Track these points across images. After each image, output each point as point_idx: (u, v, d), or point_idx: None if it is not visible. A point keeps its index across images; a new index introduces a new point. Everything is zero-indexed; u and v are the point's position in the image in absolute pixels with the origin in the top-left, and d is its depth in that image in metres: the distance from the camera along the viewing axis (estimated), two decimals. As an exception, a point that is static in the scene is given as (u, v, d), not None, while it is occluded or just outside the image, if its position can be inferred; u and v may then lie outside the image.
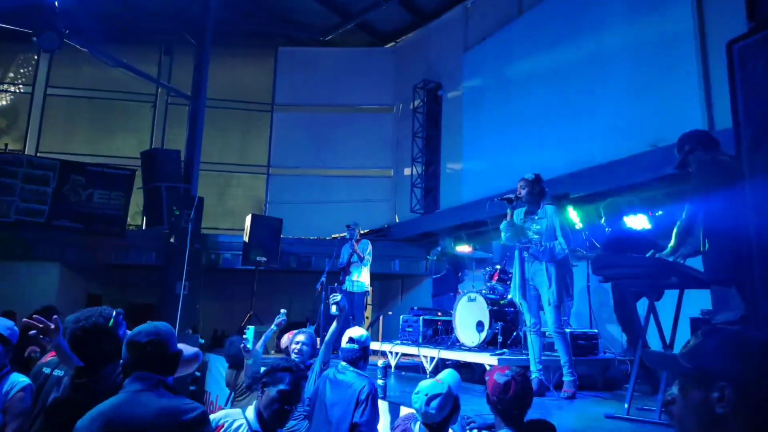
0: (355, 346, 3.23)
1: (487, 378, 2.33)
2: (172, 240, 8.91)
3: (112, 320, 2.29)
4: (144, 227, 11.03)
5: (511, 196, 4.43)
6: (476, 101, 9.89)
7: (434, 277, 7.99)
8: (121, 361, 1.85)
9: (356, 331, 3.30)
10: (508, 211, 4.45)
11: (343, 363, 3.21)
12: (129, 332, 1.93)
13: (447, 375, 2.55)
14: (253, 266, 9.15)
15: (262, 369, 2.46)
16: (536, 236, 4.30)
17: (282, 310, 4.38)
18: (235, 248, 10.28)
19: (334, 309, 3.73)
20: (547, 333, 4.58)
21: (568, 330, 5.40)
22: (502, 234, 4.48)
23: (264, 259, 9.28)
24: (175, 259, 8.52)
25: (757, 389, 1.03)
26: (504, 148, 8.89)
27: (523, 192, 4.40)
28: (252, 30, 12.20)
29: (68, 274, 10.01)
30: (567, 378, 4.26)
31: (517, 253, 4.47)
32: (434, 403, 2.38)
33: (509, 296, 6.00)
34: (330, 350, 3.59)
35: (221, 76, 11.93)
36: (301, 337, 3.89)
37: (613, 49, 7.16)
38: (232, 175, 12.72)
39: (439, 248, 7.82)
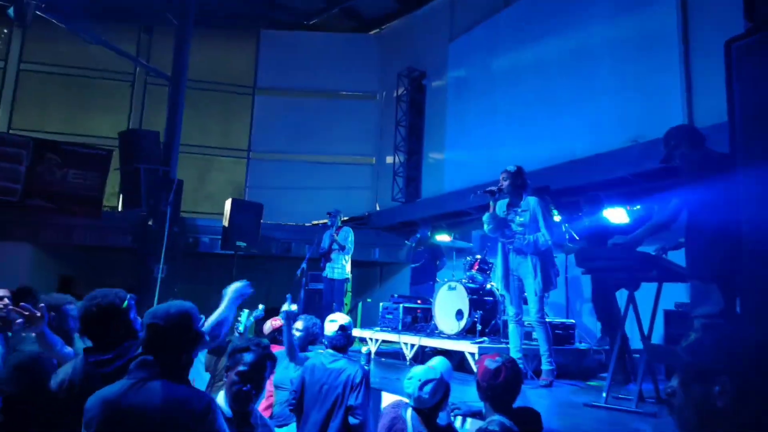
0: (344, 332, 3.25)
1: (476, 364, 2.36)
2: (150, 223, 8.75)
3: (126, 302, 2.31)
4: (120, 209, 10.80)
5: (494, 188, 4.47)
6: (460, 91, 9.91)
7: (413, 265, 8.03)
8: (140, 340, 1.85)
9: (343, 318, 3.31)
10: (491, 203, 4.50)
11: (331, 350, 3.22)
12: (148, 312, 1.88)
13: (439, 362, 2.63)
14: (232, 251, 9.07)
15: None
16: (520, 228, 4.36)
17: (260, 306, 4.34)
18: (214, 232, 10.15)
19: (285, 306, 3.67)
20: (527, 322, 4.66)
21: (546, 320, 5.52)
22: (485, 226, 4.53)
23: (244, 244, 9.20)
24: (152, 242, 8.38)
25: (756, 384, 1.07)
26: (487, 139, 8.95)
27: (506, 184, 4.45)
28: (235, 11, 11.96)
29: (40, 255, 9.76)
30: (546, 367, 4.36)
31: (500, 244, 4.53)
32: (427, 388, 2.47)
33: (490, 285, 6.11)
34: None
35: (202, 57, 11.67)
36: (299, 324, 3.85)
37: (597, 44, 7.24)
38: (212, 158, 12.52)
39: (418, 235, 7.85)
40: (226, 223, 9.28)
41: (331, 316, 3.36)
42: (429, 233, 7.82)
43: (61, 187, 9.53)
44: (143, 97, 12.30)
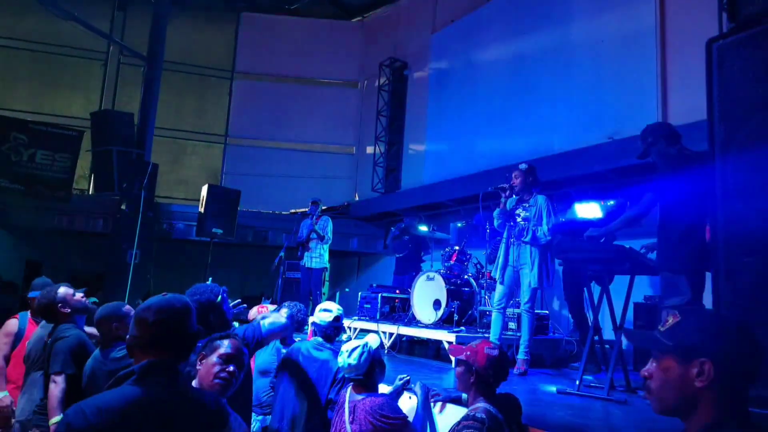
0: (336, 323, 3.27)
1: (468, 353, 2.39)
2: (123, 207, 8.56)
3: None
4: (91, 192, 10.54)
5: (506, 185, 4.66)
6: (442, 83, 9.95)
7: (398, 255, 8.09)
8: (128, 337, 1.63)
9: (337, 308, 3.31)
10: (502, 199, 4.66)
11: (320, 339, 3.22)
12: (142, 304, 1.66)
13: (367, 336, 2.84)
14: (208, 238, 8.96)
15: None
16: (523, 223, 4.50)
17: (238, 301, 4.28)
18: (189, 218, 10.00)
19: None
20: (515, 311, 4.80)
21: (518, 310, 5.65)
22: (495, 221, 4.71)
23: (220, 231, 9.10)
24: (125, 226, 8.22)
25: (734, 365, 1.12)
26: (467, 132, 9.02)
27: (518, 182, 4.62)
28: (214, -9, 11.73)
29: (6, 239, 9.47)
30: (522, 356, 4.46)
31: (505, 236, 4.66)
32: (354, 355, 2.66)
33: (467, 276, 6.20)
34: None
35: (180, 38, 11.42)
36: (283, 311, 3.82)
37: (577, 41, 7.36)
38: (188, 142, 12.29)
39: (404, 224, 7.89)
40: (201, 209, 9.15)
41: (325, 305, 3.34)
42: (414, 223, 7.86)
43: (29, 168, 9.23)
44: (116, 77, 11.96)
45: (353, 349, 2.70)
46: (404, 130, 10.95)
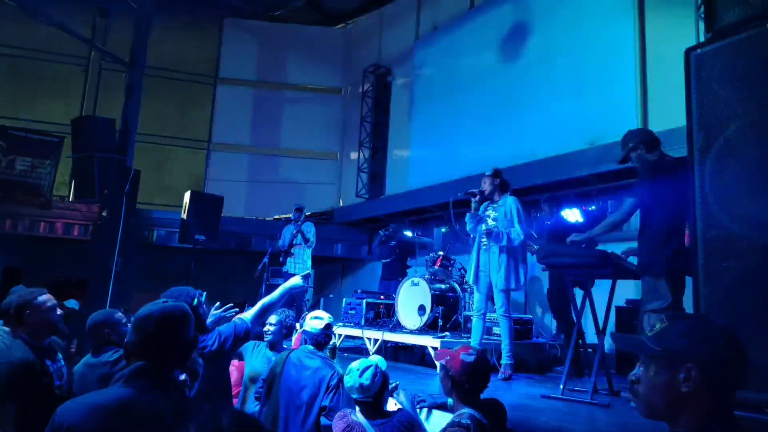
0: (327, 331, 3.25)
1: (448, 358, 2.40)
2: (104, 214, 8.44)
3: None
4: (72, 199, 10.36)
5: (476, 190, 4.72)
6: (425, 90, 10.01)
7: (384, 261, 8.09)
8: (126, 342, 1.63)
9: (327, 316, 3.30)
10: (473, 204, 4.71)
11: (311, 347, 3.20)
12: (142, 310, 1.65)
13: (373, 357, 2.79)
14: (190, 245, 8.85)
15: None
16: (493, 223, 4.54)
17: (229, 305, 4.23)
18: (172, 225, 9.89)
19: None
20: (493, 317, 4.81)
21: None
22: (467, 225, 4.78)
23: (203, 238, 9.00)
24: (107, 233, 8.09)
25: (720, 370, 1.14)
26: (451, 138, 9.08)
27: (486, 186, 4.70)
28: (197, -3, 11.65)
29: (-16, 245, 9.27)
30: (505, 361, 4.49)
31: (476, 241, 4.68)
32: (366, 374, 2.58)
33: (452, 281, 6.23)
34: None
35: (162, 43, 11.32)
36: (272, 319, 3.76)
37: (558, 49, 7.46)
38: (171, 148, 12.16)
39: (390, 230, 7.91)
40: (184, 215, 9.05)
41: (316, 313, 3.33)
42: (400, 229, 7.88)
43: (7, 175, 9.05)
44: (98, 83, 11.81)
45: (365, 369, 2.60)
46: (388, 136, 10.98)
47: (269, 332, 3.78)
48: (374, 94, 11.26)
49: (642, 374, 1.23)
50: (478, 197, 4.67)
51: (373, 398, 2.59)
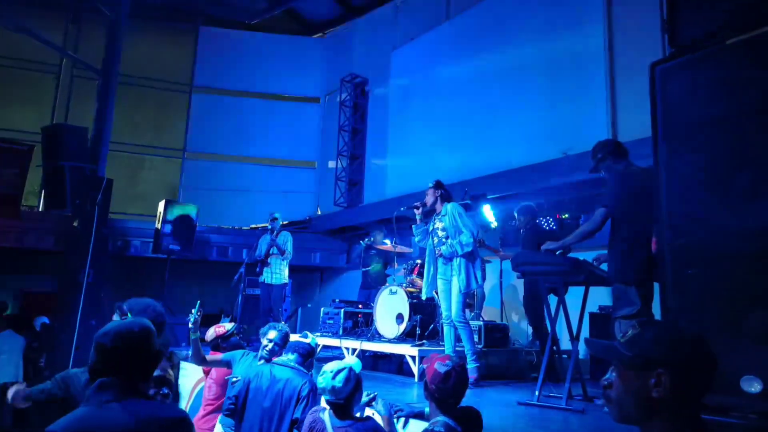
0: (311, 350, 3.26)
1: (425, 366, 2.41)
2: (75, 224, 8.25)
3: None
4: (42, 209, 10.11)
5: (418, 203, 4.87)
6: (402, 99, 10.09)
7: (364, 270, 8.09)
8: (89, 363, 1.65)
9: (313, 342, 3.33)
10: (417, 217, 4.85)
11: (285, 358, 3.18)
12: (101, 330, 1.69)
13: (350, 360, 2.76)
14: (165, 255, 8.73)
15: None
16: (443, 233, 4.62)
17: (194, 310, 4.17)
18: (146, 235, 9.74)
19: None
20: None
21: (480, 323, 5.73)
22: (415, 237, 4.93)
23: (177, 247, 8.89)
24: (78, 244, 7.91)
25: (689, 375, 1.18)
26: (428, 146, 9.16)
27: (428, 198, 4.82)
28: (172, 4, 11.54)
29: (-52, 257, 8.97)
30: (471, 365, 4.52)
31: (428, 250, 4.77)
32: (339, 377, 2.56)
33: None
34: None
35: (136, 51, 11.17)
36: (272, 334, 3.62)
37: (531, 60, 7.62)
38: (145, 157, 11.98)
39: (372, 238, 7.92)
40: (158, 225, 8.93)
41: (309, 334, 3.40)
42: (380, 237, 7.88)
43: (-26, 184, 8.80)
44: (69, 91, 11.58)
45: (338, 371, 2.59)
46: (366, 145, 11.02)
47: (268, 348, 3.58)
48: (352, 103, 11.31)
49: (614, 379, 1.25)
50: (421, 209, 4.81)
51: (344, 401, 2.59)
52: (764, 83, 1.95)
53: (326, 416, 2.61)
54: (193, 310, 3.72)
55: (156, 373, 1.99)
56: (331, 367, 2.64)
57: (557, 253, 3.85)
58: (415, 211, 4.82)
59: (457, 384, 2.36)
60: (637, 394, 1.20)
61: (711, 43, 2.11)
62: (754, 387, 1.86)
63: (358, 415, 2.75)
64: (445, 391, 2.33)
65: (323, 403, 2.75)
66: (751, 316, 1.93)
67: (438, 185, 4.81)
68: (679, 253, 2.12)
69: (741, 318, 1.94)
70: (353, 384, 2.61)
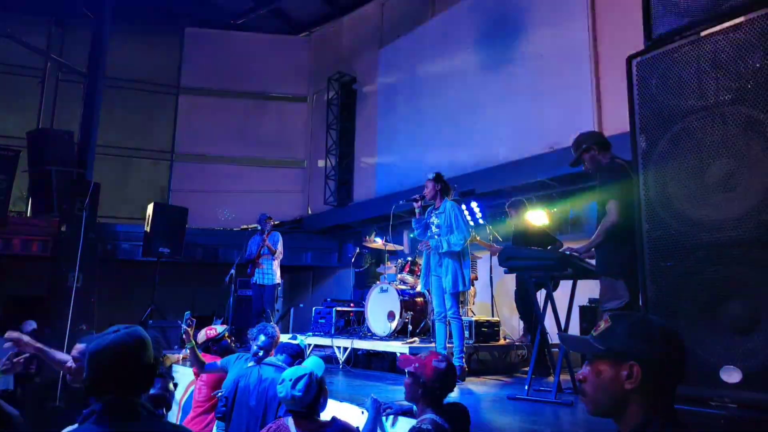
0: (298, 350, 3.24)
1: (417, 365, 2.41)
2: (63, 229, 8.20)
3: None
4: (29, 214, 10.03)
5: (417, 196, 4.83)
6: (390, 97, 10.08)
7: (356, 270, 8.09)
8: (84, 377, 1.60)
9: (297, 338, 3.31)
10: (417, 210, 4.82)
11: (273, 358, 3.17)
12: (94, 343, 1.61)
13: (309, 360, 2.68)
14: (155, 258, 8.68)
15: None
16: (437, 230, 4.63)
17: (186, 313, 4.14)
18: (135, 238, 9.68)
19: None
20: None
21: (471, 318, 5.75)
22: (414, 231, 4.89)
23: (167, 250, 8.83)
24: (67, 249, 7.87)
25: (660, 367, 1.19)
26: (417, 144, 9.16)
27: (428, 191, 4.79)
28: (157, 5, 11.46)
29: (-65, 264, 8.88)
30: (456, 362, 4.54)
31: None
32: (299, 385, 2.46)
33: (417, 287, 6.27)
34: None
35: (121, 53, 11.08)
36: (261, 339, 3.55)
37: (517, 55, 7.63)
38: (132, 160, 11.90)
39: (366, 239, 7.93)
40: (147, 228, 8.88)
41: (298, 336, 3.37)
42: (371, 236, 7.89)
43: (-41, 191, 8.70)
44: (55, 95, 11.48)
45: (298, 379, 2.48)
46: (355, 143, 11.00)
47: (259, 354, 3.53)
48: (340, 102, 11.28)
49: (588, 373, 1.26)
50: (420, 202, 4.79)
51: (306, 409, 2.48)
52: (737, 74, 1.96)
53: (290, 423, 2.51)
54: (182, 324, 3.70)
55: (156, 391, 1.96)
56: (289, 374, 2.52)
57: (581, 254, 3.68)
58: (415, 204, 4.79)
59: (454, 377, 2.39)
60: (610, 387, 1.21)
61: (682, 36, 2.12)
62: (733, 377, 1.88)
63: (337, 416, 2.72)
64: (445, 386, 2.34)
65: None
66: (727, 306, 1.94)
67: (438, 178, 4.78)
68: (656, 246, 2.13)
69: (718, 308, 1.96)
70: (315, 391, 2.50)
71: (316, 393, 2.49)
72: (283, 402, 2.53)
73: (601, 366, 1.24)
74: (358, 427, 2.68)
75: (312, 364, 2.65)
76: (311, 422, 2.50)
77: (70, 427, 1.64)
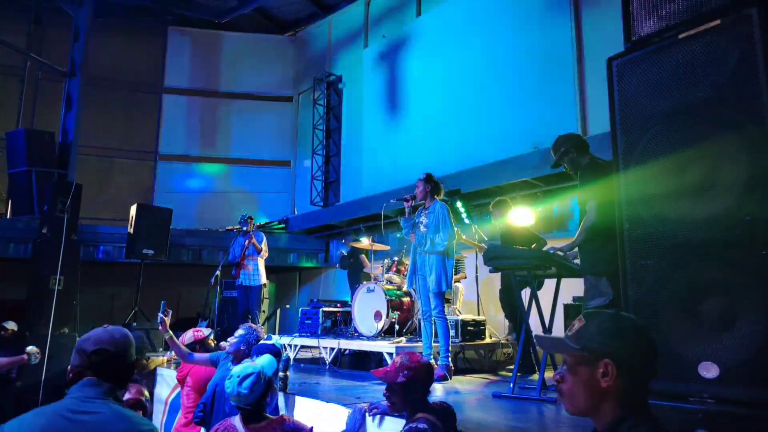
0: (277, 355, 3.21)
1: (406, 372, 2.39)
2: (44, 231, 8.06)
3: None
4: (9, 216, 9.85)
5: (408, 195, 4.87)
6: (376, 97, 10.08)
7: (344, 270, 8.08)
8: (69, 366, 1.72)
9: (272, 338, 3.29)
10: (407, 209, 4.83)
11: (249, 361, 3.15)
12: (83, 336, 1.77)
13: (262, 358, 2.66)
14: (138, 260, 8.58)
15: None
16: (424, 229, 4.65)
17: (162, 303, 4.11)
18: (118, 240, 9.57)
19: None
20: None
21: (457, 317, 5.78)
22: (403, 230, 4.92)
23: (151, 252, 8.74)
24: (47, 251, 7.73)
25: (633, 363, 1.21)
26: (403, 143, 9.18)
27: (419, 191, 4.82)
28: (139, 4, 11.33)
29: None
30: (442, 362, 4.57)
31: (413, 245, 4.78)
32: (246, 383, 2.44)
33: (404, 287, 6.29)
34: None
35: (104, 52, 10.95)
36: (239, 332, 3.58)
37: (502, 57, 7.68)
38: (115, 160, 11.75)
39: (349, 248, 7.94)
40: (131, 229, 8.78)
41: (273, 336, 3.34)
42: (358, 238, 7.89)
43: (-64, 193, 8.53)
44: (35, 94, 11.29)
45: (245, 377, 2.45)
46: (341, 143, 10.99)
47: (230, 344, 3.57)
48: (326, 102, 11.26)
49: (565, 373, 1.28)
50: (411, 202, 4.82)
51: (252, 406, 2.46)
52: (715, 76, 2.00)
53: (237, 422, 2.48)
54: (159, 313, 3.71)
55: (129, 396, 2.02)
56: (238, 370, 2.50)
57: (566, 253, 3.73)
58: (405, 204, 4.83)
59: (428, 371, 2.41)
60: (587, 386, 1.22)
61: (665, 37, 2.16)
62: (711, 372, 1.92)
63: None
64: (423, 381, 2.36)
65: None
66: (706, 303, 1.98)
67: (428, 179, 4.81)
68: (636, 245, 2.17)
69: (697, 306, 1.99)
70: (261, 390, 2.47)
71: (262, 391, 2.47)
72: (229, 397, 2.52)
73: (577, 365, 1.25)
74: (312, 427, 2.64)
75: (263, 361, 2.63)
76: (259, 421, 2.47)
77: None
